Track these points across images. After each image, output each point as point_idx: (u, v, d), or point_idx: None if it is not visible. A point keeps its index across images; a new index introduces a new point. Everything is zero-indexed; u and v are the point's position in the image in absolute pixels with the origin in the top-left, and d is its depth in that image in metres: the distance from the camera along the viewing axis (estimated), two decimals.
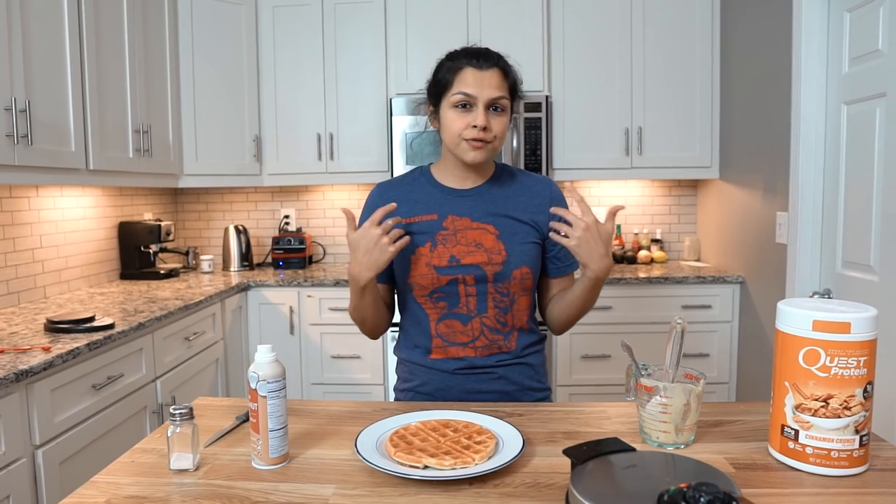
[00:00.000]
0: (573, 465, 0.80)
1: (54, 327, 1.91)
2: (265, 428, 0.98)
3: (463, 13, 3.13)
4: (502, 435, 1.07)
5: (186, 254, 3.39)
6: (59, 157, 2.10)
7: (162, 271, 3.08)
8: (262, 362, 0.99)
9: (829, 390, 0.94)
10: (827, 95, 2.31)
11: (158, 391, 2.21)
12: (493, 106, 1.27)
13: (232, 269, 3.41)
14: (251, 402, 0.99)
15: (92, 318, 1.98)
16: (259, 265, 3.61)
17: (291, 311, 3.07)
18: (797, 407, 0.96)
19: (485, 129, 1.25)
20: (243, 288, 3.02)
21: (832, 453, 0.94)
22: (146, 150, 2.66)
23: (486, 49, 1.30)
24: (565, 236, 1.20)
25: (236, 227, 3.41)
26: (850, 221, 2.18)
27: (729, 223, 3.14)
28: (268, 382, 0.98)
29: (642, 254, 3.42)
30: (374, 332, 1.41)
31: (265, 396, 0.98)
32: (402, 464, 0.96)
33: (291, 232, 3.55)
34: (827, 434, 0.94)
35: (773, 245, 2.65)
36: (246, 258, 3.44)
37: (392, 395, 1.46)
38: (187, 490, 0.93)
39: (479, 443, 1.02)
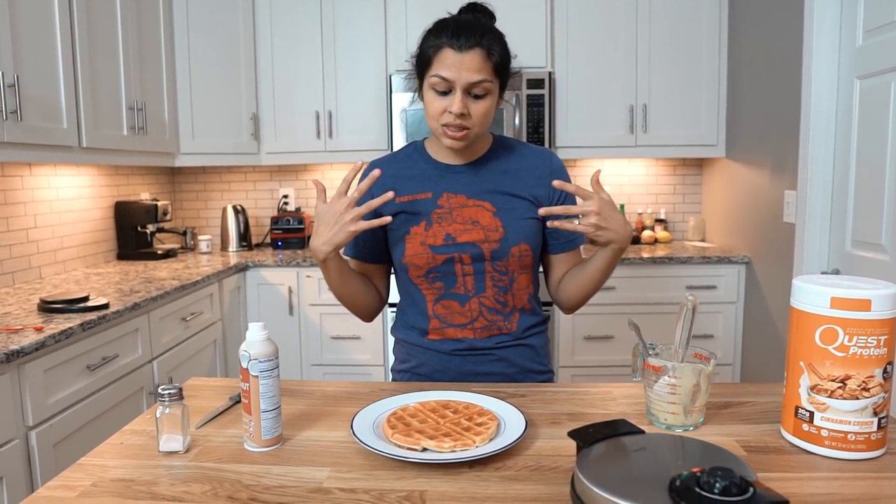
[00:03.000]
0: (579, 448, 0.76)
1: (48, 307, 1.87)
2: (257, 409, 0.95)
3: None
4: (504, 416, 1.03)
5: (184, 234, 3.35)
6: (50, 134, 2.05)
7: (159, 251, 3.04)
8: (254, 340, 0.95)
9: (846, 370, 0.89)
10: (839, 69, 2.24)
11: (155, 372, 2.17)
12: (472, 90, 1.18)
13: (230, 249, 3.36)
14: (242, 381, 0.95)
15: (86, 298, 1.94)
16: (258, 245, 3.56)
17: (290, 291, 3.03)
18: (812, 388, 0.92)
19: (462, 115, 1.18)
20: (241, 268, 2.98)
21: (849, 436, 0.90)
22: (141, 128, 2.61)
23: (472, 21, 1.19)
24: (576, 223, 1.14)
25: (234, 207, 3.36)
26: (860, 200, 2.13)
27: (735, 202, 3.08)
28: (259, 361, 0.94)
29: (646, 234, 3.37)
30: (359, 313, 1.35)
31: (257, 376, 0.94)
32: (399, 446, 0.92)
33: (290, 212, 3.50)
34: (844, 416, 0.90)
35: (780, 224, 2.60)
36: (244, 238, 3.40)
37: (391, 377, 1.42)
38: (176, 473, 0.89)
39: (479, 424, 0.98)
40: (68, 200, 2.67)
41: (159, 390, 0.94)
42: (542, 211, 1.14)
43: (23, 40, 1.93)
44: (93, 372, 1.82)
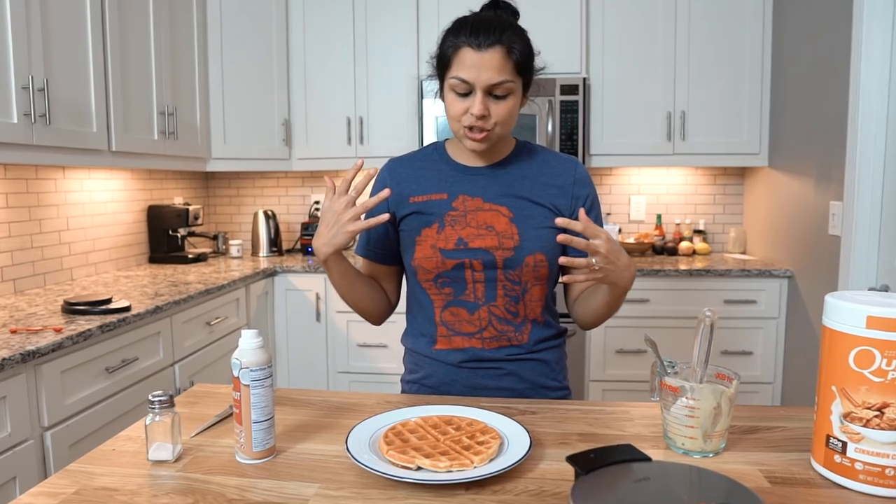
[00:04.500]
0: (577, 475, 0.69)
1: (71, 309, 1.89)
2: (248, 419, 0.91)
3: None
4: (508, 435, 0.97)
5: (216, 238, 3.38)
6: (79, 137, 2.08)
7: (190, 255, 3.07)
8: (246, 348, 0.91)
9: (884, 398, 0.81)
10: (891, 71, 2.11)
11: (177, 376, 2.18)
12: (493, 91, 1.13)
13: (261, 254, 3.38)
14: (234, 391, 0.92)
15: (109, 301, 1.95)
16: (288, 251, 3.57)
17: (318, 297, 3.02)
18: (846, 416, 0.84)
19: (483, 117, 1.13)
20: (269, 273, 2.99)
21: (886, 471, 0.81)
22: (171, 133, 2.63)
23: (492, 17, 1.14)
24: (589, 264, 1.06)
25: (265, 213, 3.38)
26: None
27: (778, 213, 2.94)
28: (251, 370, 0.91)
29: (683, 245, 3.25)
30: (366, 316, 1.32)
31: (248, 385, 0.91)
32: (394, 463, 0.87)
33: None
34: (881, 448, 0.81)
35: (825, 237, 2.47)
36: (275, 244, 3.41)
37: (401, 387, 1.37)
38: (160, 483, 0.86)
39: (480, 443, 0.92)
40: (101, 203, 2.71)
41: (149, 398, 0.91)
42: (559, 221, 1.05)
43: (53, 44, 1.97)
44: (111, 374, 1.83)
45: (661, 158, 3.09)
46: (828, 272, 2.43)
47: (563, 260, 1.05)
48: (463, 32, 1.13)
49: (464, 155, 1.27)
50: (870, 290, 2.15)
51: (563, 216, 1.23)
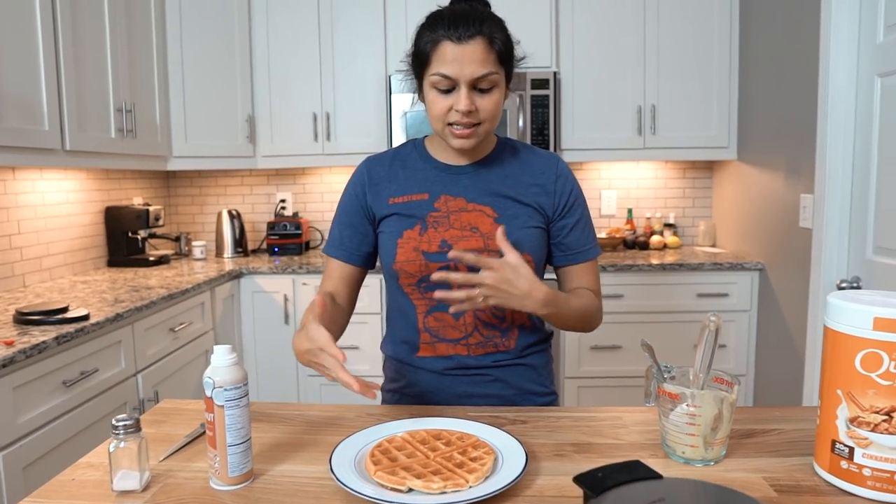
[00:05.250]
0: (586, 498, 0.65)
1: (24, 319, 1.77)
2: (223, 443, 0.84)
3: None
4: (502, 449, 0.92)
5: (178, 240, 3.25)
6: (30, 136, 1.95)
7: (151, 258, 2.94)
8: (219, 366, 0.84)
9: (892, 402, 0.78)
10: (858, 67, 2.12)
11: (140, 386, 2.07)
12: (478, 84, 1.08)
13: (225, 255, 3.27)
14: (207, 412, 0.85)
15: (65, 309, 1.84)
16: (254, 251, 3.46)
17: (286, 299, 2.93)
18: (852, 420, 0.81)
19: (470, 112, 1.08)
20: (235, 275, 2.88)
21: (895, 476, 0.79)
22: (129, 131, 2.51)
23: (468, 8, 1.09)
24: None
25: (230, 212, 3.26)
26: (883, 204, 2.01)
27: (747, 207, 2.96)
28: (225, 389, 0.84)
29: (655, 239, 3.25)
30: None
31: (222, 406, 0.84)
32: (382, 485, 0.82)
33: (287, 216, 3.40)
34: (889, 454, 0.79)
35: (796, 230, 2.48)
36: (240, 244, 3.30)
37: (381, 397, 1.31)
38: None
39: (474, 459, 0.87)
40: (55, 205, 2.57)
41: (113, 422, 0.83)
42: (451, 254, 1.01)
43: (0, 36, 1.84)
44: (69, 388, 1.72)
45: (632, 153, 3.08)
46: (799, 264, 2.45)
47: (438, 294, 1.01)
48: (440, 26, 1.07)
49: (445, 153, 1.21)
50: (841, 281, 2.17)
51: (546, 214, 1.19)
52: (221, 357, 0.84)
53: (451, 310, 1.03)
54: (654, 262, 2.84)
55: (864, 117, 2.09)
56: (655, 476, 0.68)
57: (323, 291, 1.22)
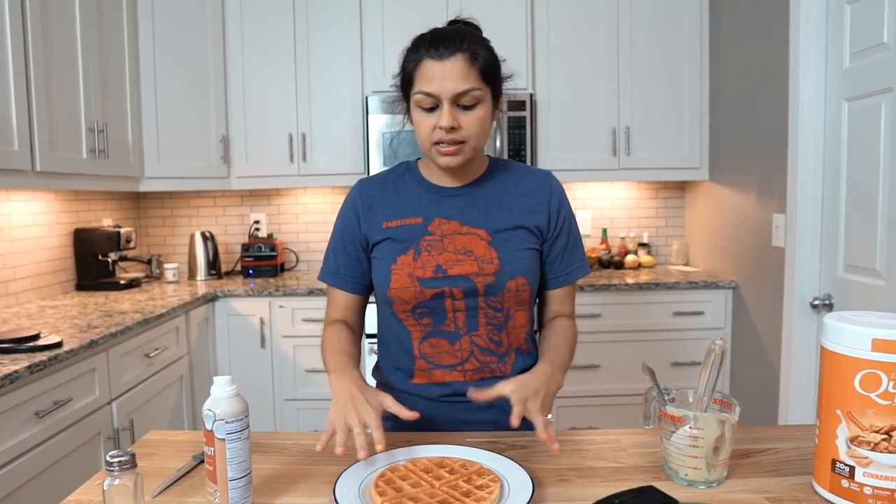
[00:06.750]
0: None
1: None
2: (224, 477, 0.81)
3: (443, 5, 2.98)
4: (506, 476, 0.91)
5: (149, 262, 3.18)
6: None
7: (122, 281, 2.87)
8: (220, 397, 0.82)
9: (892, 421, 0.80)
10: (826, 92, 2.20)
11: (114, 414, 2.01)
12: (460, 101, 1.08)
13: (199, 278, 3.20)
14: (207, 445, 0.82)
15: (36, 336, 1.78)
16: (228, 273, 3.40)
17: (262, 322, 2.88)
18: (853, 440, 0.83)
19: (453, 128, 1.08)
20: (210, 298, 2.83)
21: None
22: (101, 151, 2.45)
23: (451, 28, 1.11)
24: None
25: (203, 234, 3.20)
26: (852, 223, 2.07)
27: (720, 226, 3.03)
28: (227, 422, 0.81)
29: (629, 258, 3.29)
30: None
31: (223, 439, 0.81)
32: None
33: (262, 238, 3.36)
34: (890, 472, 0.80)
35: (768, 249, 2.55)
36: (213, 266, 3.24)
37: None
38: None
39: (480, 487, 0.86)
40: (22, 228, 2.49)
41: (107, 458, 0.80)
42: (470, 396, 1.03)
43: None
44: (42, 419, 1.66)
45: (606, 173, 3.13)
46: (772, 282, 2.51)
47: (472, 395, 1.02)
48: (423, 46, 1.09)
49: (437, 175, 1.21)
50: (814, 299, 2.23)
51: (541, 235, 1.19)
52: (222, 388, 0.82)
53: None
54: (630, 281, 2.88)
55: (833, 139, 2.17)
56: (671, 501, 0.68)
57: (333, 320, 1.23)
